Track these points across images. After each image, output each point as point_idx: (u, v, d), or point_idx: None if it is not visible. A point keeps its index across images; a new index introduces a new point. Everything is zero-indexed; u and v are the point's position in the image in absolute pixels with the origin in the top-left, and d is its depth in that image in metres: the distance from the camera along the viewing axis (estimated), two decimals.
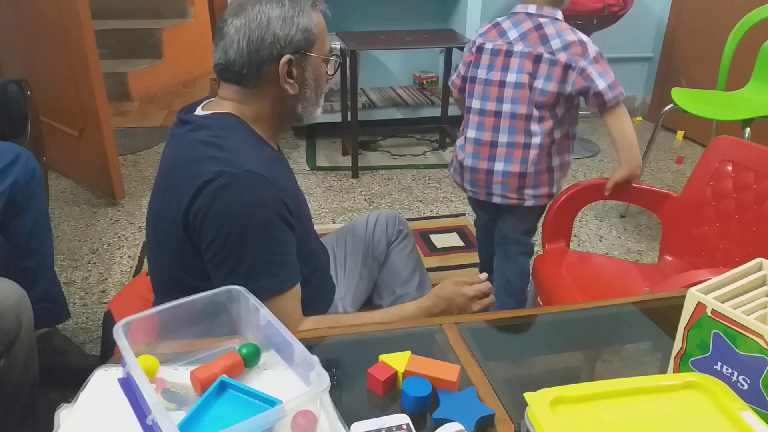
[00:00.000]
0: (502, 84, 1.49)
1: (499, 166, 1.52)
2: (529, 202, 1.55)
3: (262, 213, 0.93)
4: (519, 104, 1.47)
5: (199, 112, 1.04)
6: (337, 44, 2.90)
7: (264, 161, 0.97)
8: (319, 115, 1.11)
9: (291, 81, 1.01)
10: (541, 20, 1.46)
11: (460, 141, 1.61)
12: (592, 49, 1.44)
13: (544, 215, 1.62)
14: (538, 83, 1.45)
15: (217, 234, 0.93)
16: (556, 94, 1.45)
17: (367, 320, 1.05)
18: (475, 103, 1.53)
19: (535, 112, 1.47)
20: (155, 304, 1.07)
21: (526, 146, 1.49)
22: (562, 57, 1.43)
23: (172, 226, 0.97)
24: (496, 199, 1.57)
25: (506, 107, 1.49)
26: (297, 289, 0.99)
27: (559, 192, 1.59)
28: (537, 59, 1.45)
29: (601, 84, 1.41)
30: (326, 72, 1.07)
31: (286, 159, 1.18)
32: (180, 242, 0.97)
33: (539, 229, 1.64)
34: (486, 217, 1.72)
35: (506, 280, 1.68)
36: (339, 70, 1.20)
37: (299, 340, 0.71)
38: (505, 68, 1.49)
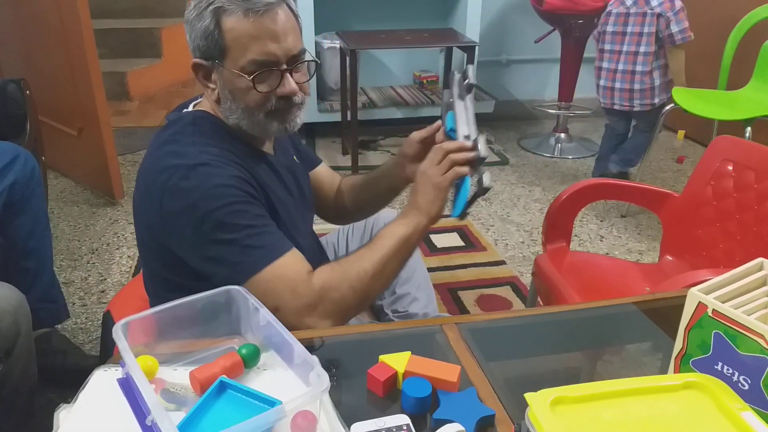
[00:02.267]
0: (623, 34, 2.53)
1: (618, 84, 2.60)
2: (636, 108, 2.60)
3: (228, 193, 0.90)
4: (632, 45, 2.51)
5: (189, 109, 1.04)
6: (328, 48, 2.89)
7: (223, 152, 0.94)
8: (274, 131, 1.00)
9: (211, 86, 0.97)
10: None
11: (597, 74, 2.69)
12: (678, 4, 2.42)
13: (544, 216, 1.63)
14: (644, 29, 2.45)
15: (192, 229, 0.90)
16: (654, 34, 2.44)
17: (378, 254, 0.96)
18: (606, 47, 2.60)
19: (641, 49, 2.49)
20: (151, 306, 1.07)
21: (633, 72, 2.54)
22: (657, 9, 2.42)
23: (151, 229, 0.97)
24: (616, 107, 2.66)
25: (624, 47, 2.53)
26: (296, 252, 0.94)
27: (662, 102, 2.58)
28: (643, 15, 2.44)
29: (675, 28, 2.41)
30: (253, 87, 0.93)
31: (271, 160, 1.07)
32: (162, 243, 0.96)
33: (543, 226, 1.66)
34: (617, 120, 2.78)
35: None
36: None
37: (299, 340, 0.70)
38: (624, 24, 2.51)
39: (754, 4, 2.69)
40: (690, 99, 2.42)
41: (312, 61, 1.00)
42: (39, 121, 2.03)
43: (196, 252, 0.93)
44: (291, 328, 0.78)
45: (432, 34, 3.11)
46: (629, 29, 2.51)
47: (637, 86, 2.54)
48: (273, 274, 0.89)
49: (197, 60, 0.96)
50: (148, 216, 0.96)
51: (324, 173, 1.30)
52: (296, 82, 0.96)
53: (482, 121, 3.69)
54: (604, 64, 2.62)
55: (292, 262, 0.92)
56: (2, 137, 1.69)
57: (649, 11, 2.44)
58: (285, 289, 0.89)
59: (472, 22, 3.19)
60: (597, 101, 3.80)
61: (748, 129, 2.29)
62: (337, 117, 3.18)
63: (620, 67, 2.56)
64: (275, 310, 0.80)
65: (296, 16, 0.97)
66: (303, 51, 0.97)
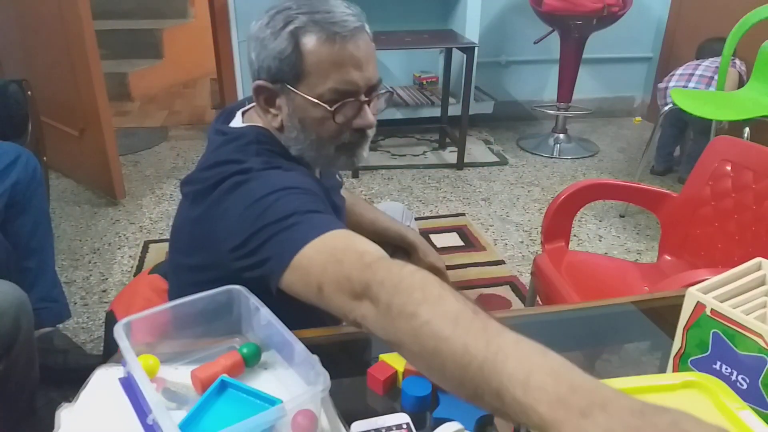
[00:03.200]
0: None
1: (692, 84, 2.75)
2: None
3: (283, 183, 0.79)
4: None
5: (238, 119, 0.96)
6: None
7: (291, 170, 0.86)
8: (340, 165, 0.94)
9: (273, 111, 0.90)
10: None
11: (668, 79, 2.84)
12: None
13: (543, 216, 1.64)
14: None
15: (240, 215, 0.79)
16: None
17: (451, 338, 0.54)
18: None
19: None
20: (170, 293, 1.07)
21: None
22: None
23: (194, 230, 0.88)
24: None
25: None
26: (353, 233, 0.74)
27: None
28: None
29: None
30: (330, 118, 0.85)
31: (322, 184, 0.97)
32: (205, 247, 0.87)
33: (542, 226, 1.67)
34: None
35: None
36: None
37: (299, 339, 0.71)
38: None
39: (753, 4, 2.69)
40: (689, 99, 2.43)
41: (389, 92, 0.94)
42: (40, 122, 2.03)
43: (239, 245, 0.78)
44: (339, 309, 0.66)
45: (432, 35, 3.11)
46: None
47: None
48: (315, 247, 0.71)
49: (262, 82, 0.87)
50: (195, 214, 0.86)
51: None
52: None
53: (482, 122, 3.71)
54: (679, 71, 2.84)
55: (343, 236, 0.72)
56: (4, 137, 1.69)
57: None
58: (330, 260, 0.69)
59: (471, 24, 3.20)
60: (595, 101, 3.82)
61: (747, 129, 2.30)
62: None
63: (698, 72, 2.79)
64: (318, 290, 0.68)
65: (372, 42, 0.89)
66: (380, 81, 0.91)
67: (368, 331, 0.65)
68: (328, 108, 0.85)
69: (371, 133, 0.92)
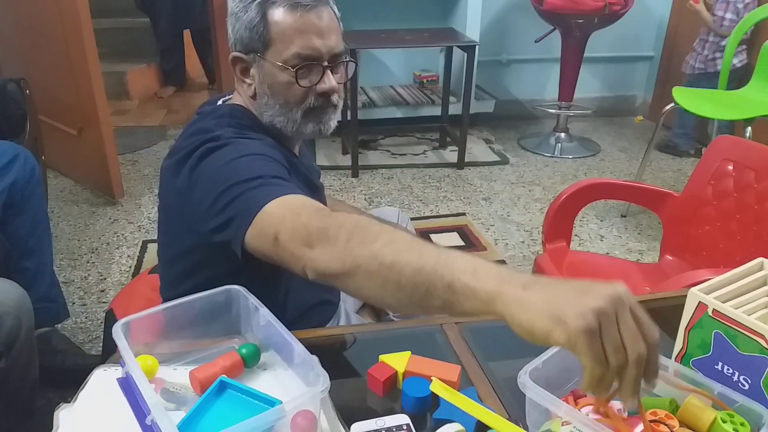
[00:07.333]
0: None
1: None
2: None
3: (253, 148, 0.86)
4: None
5: (219, 103, 1.03)
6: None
7: (259, 139, 0.92)
8: (308, 131, 0.99)
9: (248, 81, 0.97)
10: None
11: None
12: None
13: (544, 216, 1.63)
14: None
15: (210, 178, 0.84)
16: None
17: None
18: None
19: None
20: (162, 294, 1.06)
21: None
22: None
23: (175, 205, 0.93)
24: None
25: None
26: (310, 199, 0.80)
27: None
28: None
29: None
30: (295, 81, 0.92)
31: (298, 161, 1.05)
32: (188, 215, 0.90)
33: (543, 226, 1.67)
34: None
35: None
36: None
37: (299, 339, 0.70)
38: None
39: None
40: (690, 99, 2.42)
41: (351, 61, 0.99)
42: (39, 121, 2.03)
43: (210, 205, 0.82)
44: (290, 257, 0.71)
45: (432, 33, 3.11)
46: None
47: None
48: (277, 204, 0.77)
49: (237, 54, 0.95)
50: (177, 185, 0.90)
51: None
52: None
53: (482, 121, 3.70)
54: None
55: (303, 197, 0.78)
56: (2, 137, 1.69)
57: None
58: (288, 213, 0.75)
59: (472, 22, 3.19)
60: (596, 101, 3.82)
61: (749, 128, 2.29)
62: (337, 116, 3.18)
63: None
64: (275, 239, 0.73)
65: (338, 20, 0.97)
66: (344, 52, 0.97)
67: (313, 274, 0.70)
68: (291, 71, 0.92)
69: (336, 100, 0.98)
